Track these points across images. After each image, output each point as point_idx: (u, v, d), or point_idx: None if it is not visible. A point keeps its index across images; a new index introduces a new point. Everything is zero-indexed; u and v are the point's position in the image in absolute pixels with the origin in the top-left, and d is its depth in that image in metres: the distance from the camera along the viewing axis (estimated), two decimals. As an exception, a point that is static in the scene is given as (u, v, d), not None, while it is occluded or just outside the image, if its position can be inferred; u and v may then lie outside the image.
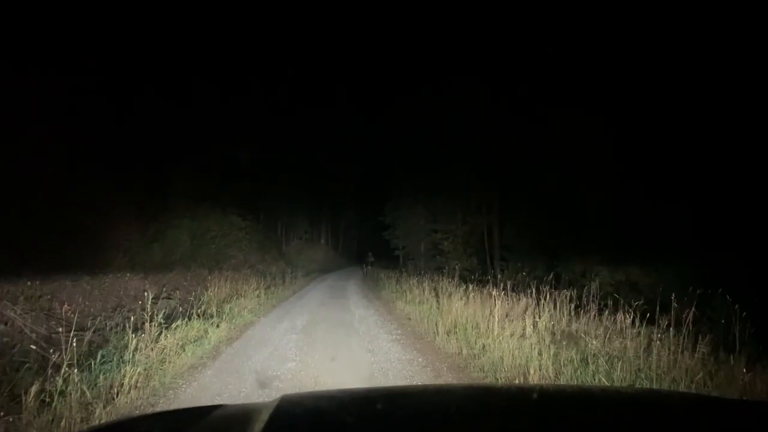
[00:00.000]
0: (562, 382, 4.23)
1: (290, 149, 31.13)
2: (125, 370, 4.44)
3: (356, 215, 46.30)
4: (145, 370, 4.65)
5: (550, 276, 8.54)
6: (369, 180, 39.36)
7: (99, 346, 5.49)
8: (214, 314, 8.63)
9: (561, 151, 15.16)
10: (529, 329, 5.79)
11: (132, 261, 12.18)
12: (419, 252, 25.18)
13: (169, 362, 5.20)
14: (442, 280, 12.52)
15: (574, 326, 5.74)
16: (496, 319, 6.23)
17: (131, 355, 4.77)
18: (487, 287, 8.77)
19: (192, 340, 6.41)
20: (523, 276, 10.91)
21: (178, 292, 11.42)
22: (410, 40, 24.34)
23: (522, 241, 17.59)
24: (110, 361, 4.57)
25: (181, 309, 8.56)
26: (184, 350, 5.92)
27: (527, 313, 6.36)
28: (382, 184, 32.17)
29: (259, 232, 23.72)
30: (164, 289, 11.33)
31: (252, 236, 20.93)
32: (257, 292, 12.37)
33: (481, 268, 20.10)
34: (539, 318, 5.97)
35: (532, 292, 7.63)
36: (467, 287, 9.37)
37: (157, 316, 5.76)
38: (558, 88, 15.56)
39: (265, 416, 0.98)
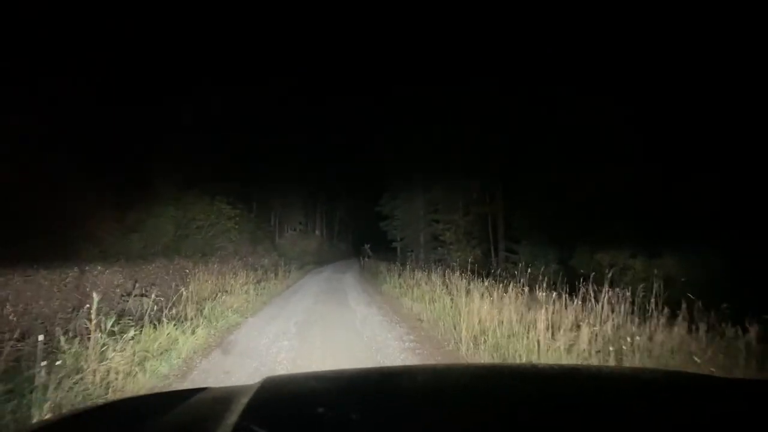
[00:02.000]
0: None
1: (285, 138, 29.66)
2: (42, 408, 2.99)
3: (352, 205, 44.58)
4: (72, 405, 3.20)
5: (553, 268, 7.33)
6: (365, 169, 37.84)
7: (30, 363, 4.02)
8: (193, 315, 7.18)
9: (572, 133, 13.83)
10: (585, 340, 4.40)
11: (105, 252, 10.69)
12: (418, 243, 23.87)
13: (115, 391, 3.75)
14: (453, 274, 11.21)
15: (642, 337, 4.34)
16: (542, 326, 4.83)
17: (55, 383, 3.31)
18: (511, 283, 7.35)
19: (156, 353, 4.96)
20: (538, 268, 9.75)
21: (155, 287, 9.93)
22: (403, 22, 22.71)
23: (531, 232, 16.28)
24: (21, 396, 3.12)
25: (155, 308, 7.14)
26: (144, 368, 4.47)
27: (578, 318, 4.97)
28: (379, 173, 30.98)
29: (251, 222, 22.36)
30: (139, 285, 9.85)
31: (243, 226, 19.49)
32: (246, 287, 10.92)
33: (485, 259, 18.90)
34: (597, 325, 4.58)
35: (557, 289, 6.22)
36: (485, 283, 7.97)
37: (106, 322, 4.29)
38: (564, 64, 14.21)
39: (246, 399, 0.95)
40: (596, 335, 4.48)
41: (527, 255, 16.32)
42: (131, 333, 4.41)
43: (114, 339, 4.32)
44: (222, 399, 1.06)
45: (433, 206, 22.24)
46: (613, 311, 4.82)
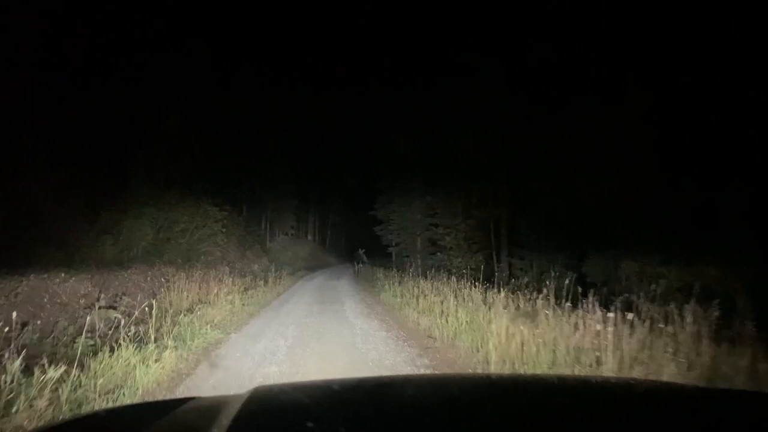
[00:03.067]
0: None
1: (277, 139, 29.15)
2: None
3: (345, 209, 43.78)
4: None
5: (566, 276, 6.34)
6: (359, 172, 37.03)
7: None
8: (166, 332, 5.93)
9: (587, 133, 12.85)
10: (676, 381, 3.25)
11: (71, 258, 9.38)
12: (415, 248, 23.14)
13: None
14: (461, 281, 10.11)
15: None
16: (610, 358, 3.67)
17: None
18: (539, 296, 6.20)
19: (103, 391, 3.71)
20: (547, 277, 8.69)
21: (127, 298, 8.66)
22: (402, 19, 21.79)
23: (538, 237, 15.20)
24: None
25: (120, 323, 5.90)
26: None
27: (648, 344, 3.82)
28: (374, 176, 30.29)
29: (239, 225, 21.25)
30: (108, 294, 8.58)
31: (231, 230, 18.40)
32: (231, 296, 9.69)
33: (487, 265, 17.85)
34: (685, 356, 3.44)
35: (601, 303, 5.06)
36: (502, 293, 6.83)
37: (12, 362, 3.05)
38: (577, 61, 13.31)
39: (234, 409, 0.93)
40: (689, 369, 3.32)
41: (533, 262, 15.31)
42: (51, 372, 3.13)
43: (32, 379, 3.07)
44: (210, 409, 1.04)
45: (431, 210, 21.46)
46: (699, 336, 3.67)
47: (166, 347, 5.17)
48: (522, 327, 5.04)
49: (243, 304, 9.87)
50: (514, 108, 15.31)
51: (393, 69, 23.79)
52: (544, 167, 14.65)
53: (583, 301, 5.13)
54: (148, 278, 10.76)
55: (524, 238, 16.46)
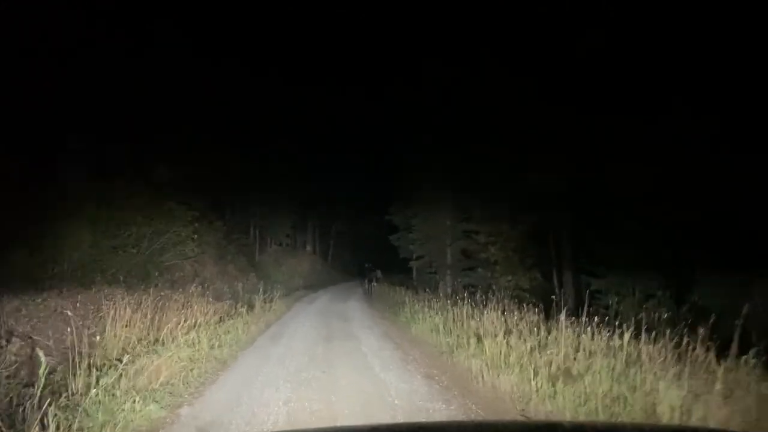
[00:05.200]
0: None
1: (271, 129, 27.45)
2: None
3: (352, 215, 42.24)
4: None
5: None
6: (370, 171, 35.45)
7: None
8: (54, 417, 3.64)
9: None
10: None
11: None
12: (444, 262, 21.34)
13: None
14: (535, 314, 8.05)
15: None
16: None
17: None
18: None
19: None
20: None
21: (29, 338, 6.42)
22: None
23: (619, 248, 12.93)
24: None
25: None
26: None
27: None
28: (387, 175, 29.31)
29: (218, 232, 19.62)
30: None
31: (206, 237, 16.89)
32: (192, 333, 7.50)
33: (546, 285, 15.87)
34: None
35: None
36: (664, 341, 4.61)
37: None
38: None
39: None
40: None
41: (612, 282, 13.12)
42: None
43: None
44: None
45: (465, 213, 19.69)
46: None
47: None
48: None
49: (213, 346, 7.63)
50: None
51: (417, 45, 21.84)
52: (624, 154, 12.42)
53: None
54: (78, 305, 8.62)
55: (597, 250, 14.15)
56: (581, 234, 15.29)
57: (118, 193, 11.38)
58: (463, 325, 8.67)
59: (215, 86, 18.66)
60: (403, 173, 24.54)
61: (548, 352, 5.74)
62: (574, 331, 6.25)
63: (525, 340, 6.56)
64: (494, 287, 14.76)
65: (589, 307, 8.89)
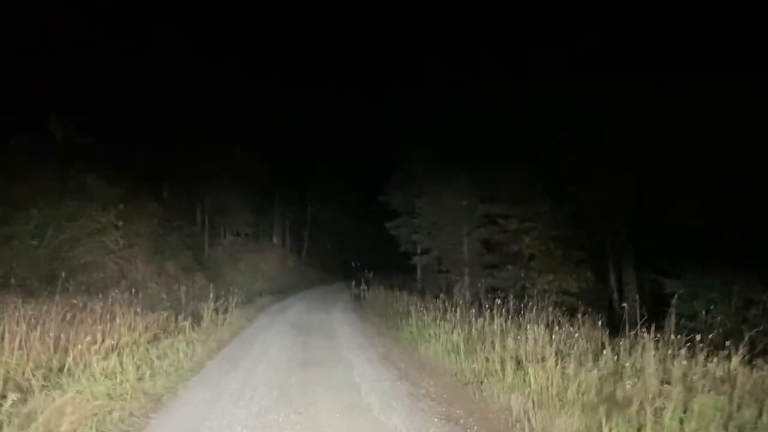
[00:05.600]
0: None
1: (225, 92, 27.64)
2: None
3: (334, 199, 42.80)
4: None
5: None
6: (359, 136, 35.87)
7: None
8: None
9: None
10: None
11: None
12: (459, 257, 21.52)
13: None
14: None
15: None
16: None
17: None
18: None
19: None
20: None
21: None
22: None
23: (702, 238, 12.92)
24: None
25: None
26: None
27: None
28: (380, 144, 29.96)
29: (154, 218, 19.66)
30: None
31: (137, 225, 16.84)
32: (113, 357, 7.35)
33: (600, 289, 16.69)
34: None
35: None
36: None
37: None
38: None
39: None
40: None
41: (696, 284, 13.13)
42: None
43: None
44: None
45: (488, 190, 19.80)
46: None
47: None
48: None
49: (143, 375, 7.43)
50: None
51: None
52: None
53: None
54: None
55: (670, 240, 14.24)
56: (648, 218, 15.36)
57: (12, 164, 11.07)
58: (493, 344, 8.40)
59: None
60: (403, 134, 24.67)
61: (626, 385, 5.41)
62: (656, 353, 6.04)
63: (586, 365, 6.32)
64: (530, 291, 15.07)
65: (639, 312, 8.88)
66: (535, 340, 7.65)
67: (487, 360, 7.94)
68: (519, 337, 7.98)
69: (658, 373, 5.54)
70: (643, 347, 6.06)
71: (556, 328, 8.23)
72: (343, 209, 42.39)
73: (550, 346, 7.26)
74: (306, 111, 36.12)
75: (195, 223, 28.38)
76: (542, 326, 8.26)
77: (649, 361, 5.75)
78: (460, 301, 13.40)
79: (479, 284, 17.74)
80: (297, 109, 35.36)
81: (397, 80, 26.37)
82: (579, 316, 9.11)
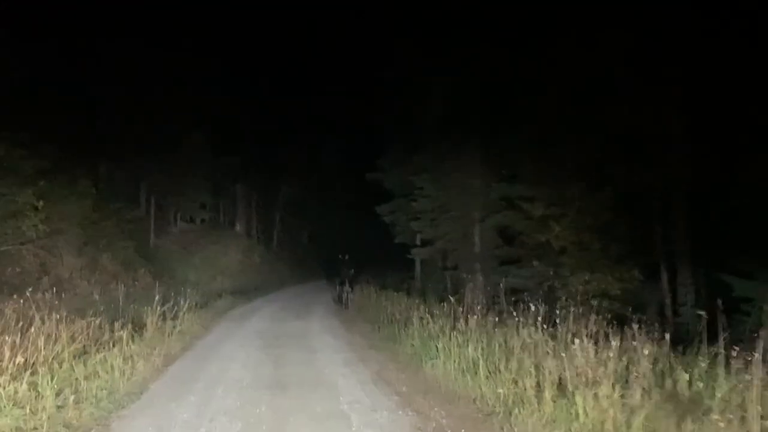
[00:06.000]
0: None
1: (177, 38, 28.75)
2: None
3: (313, 177, 43.38)
4: None
5: None
6: (343, 101, 36.26)
7: None
8: None
9: None
10: None
11: None
12: (470, 250, 21.84)
13: None
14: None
15: None
16: None
17: None
18: None
19: None
20: None
21: None
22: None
23: None
24: None
25: None
26: None
27: None
28: (370, 106, 30.76)
29: (87, 199, 19.80)
30: None
31: (64, 206, 16.94)
32: (25, 378, 7.31)
33: (649, 290, 16.84)
34: None
35: None
36: None
37: None
38: None
39: None
40: None
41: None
42: None
43: None
44: None
45: (508, 166, 20.03)
46: None
47: None
48: None
49: (65, 402, 7.25)
50: None
51: None
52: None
53: None
54: None
55: (740, 231, 14.47)
56: (710, 202, 15.50)
57: None
58: (522, 361, 8.24)
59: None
60: (403, 86, 24.69)
61: (712, 420, 5.26)
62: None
63: (650, 393, 6.20)
64: (559, 293, 15.37)
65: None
66: (585, 359, 7.34)
67: (516, 383, 7.73)
68: (558, 353, 7.87)
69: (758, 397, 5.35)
70: (730, 370, 5.84)
71: (605, 341, 7.99)
72: (325, 190, 42.86)
73: (604, 367, 6.89)
74: (278, 63, 36.52)
75: (139, 205, 28.52)
76: (586, 339, 8.00)
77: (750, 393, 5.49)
78: (477, 306, 13.30)
79: (498, 283, 17.56)
80: (266, 62, 35.79)
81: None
82: (632, 325, 8.88)
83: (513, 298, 13.50)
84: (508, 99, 18.35)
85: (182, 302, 14.79)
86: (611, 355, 7.20)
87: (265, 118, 36.85)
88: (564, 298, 13.66)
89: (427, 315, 12.93)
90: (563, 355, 7.62)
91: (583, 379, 6.81)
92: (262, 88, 36.41)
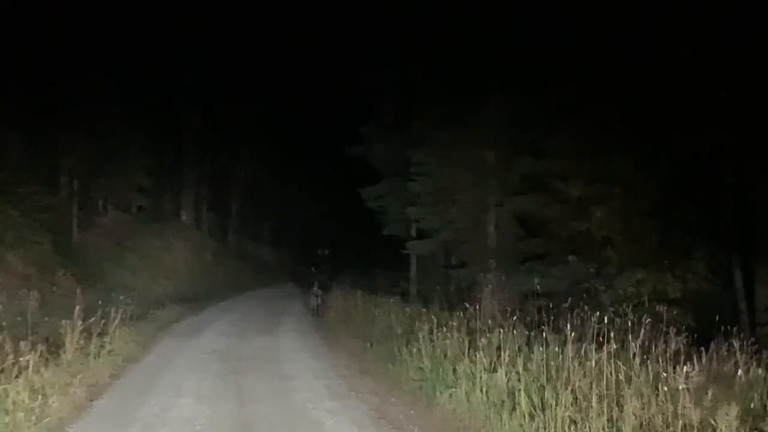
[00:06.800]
0: None
1: None
2: None
3: (278, 154, 43.71)
4: None
5: None
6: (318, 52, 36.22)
7: None
8: None
9: None
10: None
11: None
12: (483, 244, 21.63)
13: None
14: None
15: None
16: None
17: None
18: None
19: None
20: None
21: None
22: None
23: None
24: None
25: None
26: None
27: None
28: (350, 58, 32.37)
29: None
30: None
31: None
32: None
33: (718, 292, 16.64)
34: None
35: None
36: None
37: None
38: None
39: None
40: None
41: None
42: None
43: None
44: None
45: (532, 135, 19.76)
46: None
47: None
48: None
49: None
50: None
51: None
52: None
53: None
54: None
55: None
56: None
57: None
58: (575, 392, 7.73)
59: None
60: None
61: None
62: None
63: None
64: (603, 297, 15.34)
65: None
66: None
67: (575, 424, 7.16)
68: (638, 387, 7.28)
69: None
70: None
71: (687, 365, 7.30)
72: (292, 171, 42.85)
73: (698, 407, 6.17)
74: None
75: (57, 189, 28.07)
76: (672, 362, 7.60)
77: None
78: (499, 314, 12.99)
79: (520, 285, 17.47)
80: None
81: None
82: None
83: (543, 303, 12.85)
84: (536, 42, 17.95)
85: (113, 313, 14.33)
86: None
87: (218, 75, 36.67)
88: (609, 303, 13.74)
89: (437, 328, 12.30)
90: (645, 390, 7.06)
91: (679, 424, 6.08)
92: (210, 39, 36.39)
